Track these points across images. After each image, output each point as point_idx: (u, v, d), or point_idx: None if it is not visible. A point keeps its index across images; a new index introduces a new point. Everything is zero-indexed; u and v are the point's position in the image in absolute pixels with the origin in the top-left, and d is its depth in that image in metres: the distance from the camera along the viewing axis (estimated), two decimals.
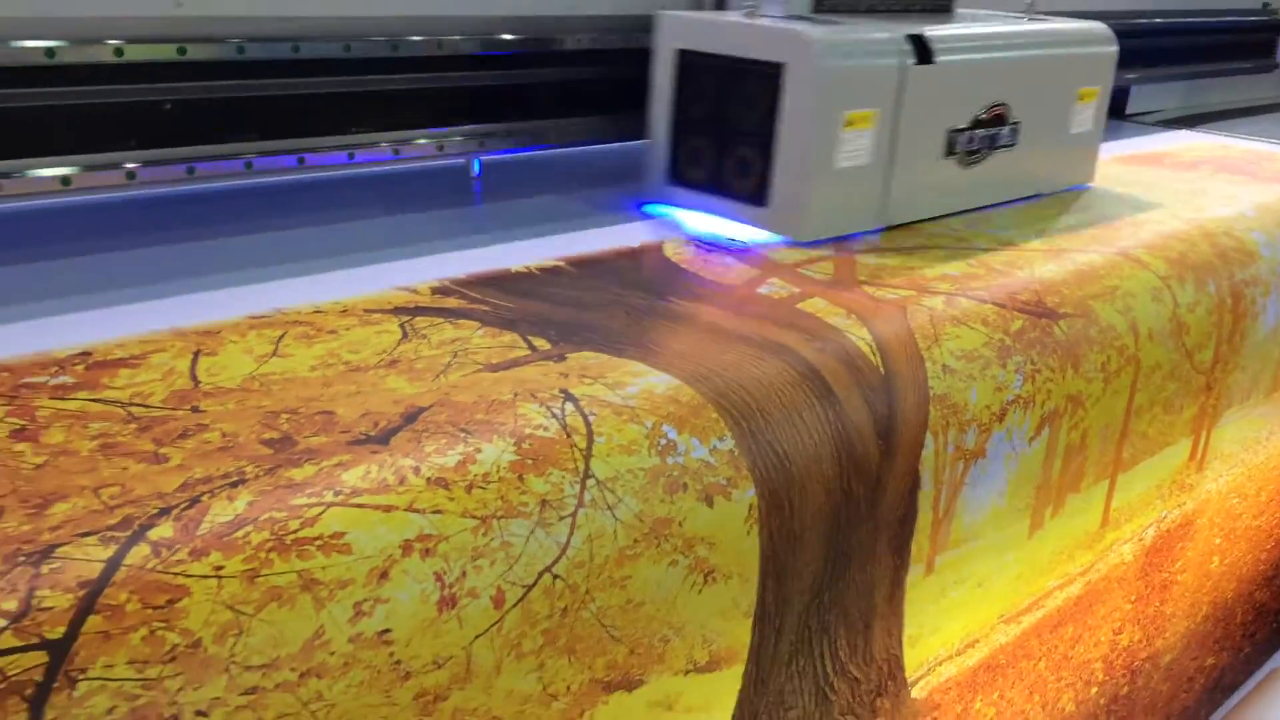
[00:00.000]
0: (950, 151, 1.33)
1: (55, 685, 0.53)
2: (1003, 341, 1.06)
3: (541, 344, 0.90)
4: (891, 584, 1.00)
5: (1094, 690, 1.43)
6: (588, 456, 0.76)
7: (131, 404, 0.74)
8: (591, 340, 0.91)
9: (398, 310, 0.94)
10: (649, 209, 1.32)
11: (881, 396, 0.94)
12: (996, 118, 1.37)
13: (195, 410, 0.74)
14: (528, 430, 0.75)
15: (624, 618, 0.76)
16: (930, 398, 0.97)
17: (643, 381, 0.84)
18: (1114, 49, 1.54)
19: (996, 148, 1.39)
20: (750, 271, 1.12)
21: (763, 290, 1.07)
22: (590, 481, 0.75)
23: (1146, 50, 2.20)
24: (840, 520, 0.91)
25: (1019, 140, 1.42)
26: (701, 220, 1.27)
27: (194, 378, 0.79)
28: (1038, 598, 1.22)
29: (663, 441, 0.79)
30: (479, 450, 0.72)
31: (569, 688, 0.74)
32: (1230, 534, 1.63)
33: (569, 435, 0.76)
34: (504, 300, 0.99)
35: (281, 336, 0.87)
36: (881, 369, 0.95)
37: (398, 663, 0.64)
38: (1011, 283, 1.14)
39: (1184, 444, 1.39)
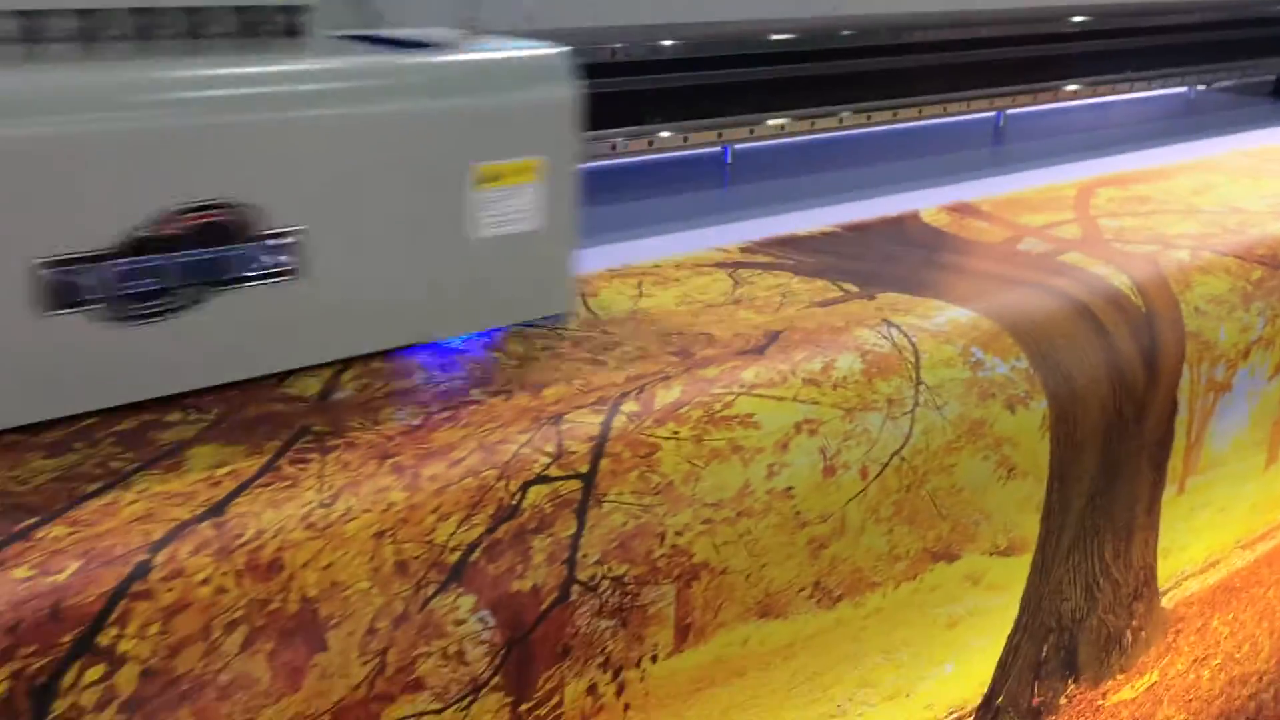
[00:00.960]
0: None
1: (589, 503, 0.73)
2: (1245, 289, 1.19)
3: (851, 288, 1.07)
4: (1150, 499, 1.14)
5: None
6: (917, 367, 0.93)
7: (556, 329, 0.95)
8: (893, 284, 1.08)
9: (721, 265, 1.14)
10: None
11: (1145, 332, 1.08)
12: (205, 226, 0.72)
13: (604, 332, 0.94)
14: (867, 347, 0.93)
15: (949, 499, 0.93)
16: (1186, 334, 1.11)
17: (947, 314, 1.01)
18: (568, 93, 0.87)
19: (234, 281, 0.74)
20: (1004, 232, 1.27)
21: (1020, 247, 1.22)
22: (922, 386, 0.92)
23: None
24: (1112, 436, 1.06)
25: (308, 267, 0.77)
26: None
27: (591, 311, 0.99)
28: (1271, 528, 1.34)
29: (973, 359, 0.96)
30: (835, 360, 0.91)
31: (908, 551, 0.91)
32: None
33: (900, 352, 0.94)
34: (806, 257, 1.17)
35: (640, 282, 1.07)
36: (1143, 309, 1.10)
37: (797, 513, 0.82)
38: (1250, 235, 1.27)
39: None
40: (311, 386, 0.80)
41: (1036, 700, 1.11)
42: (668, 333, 0.94)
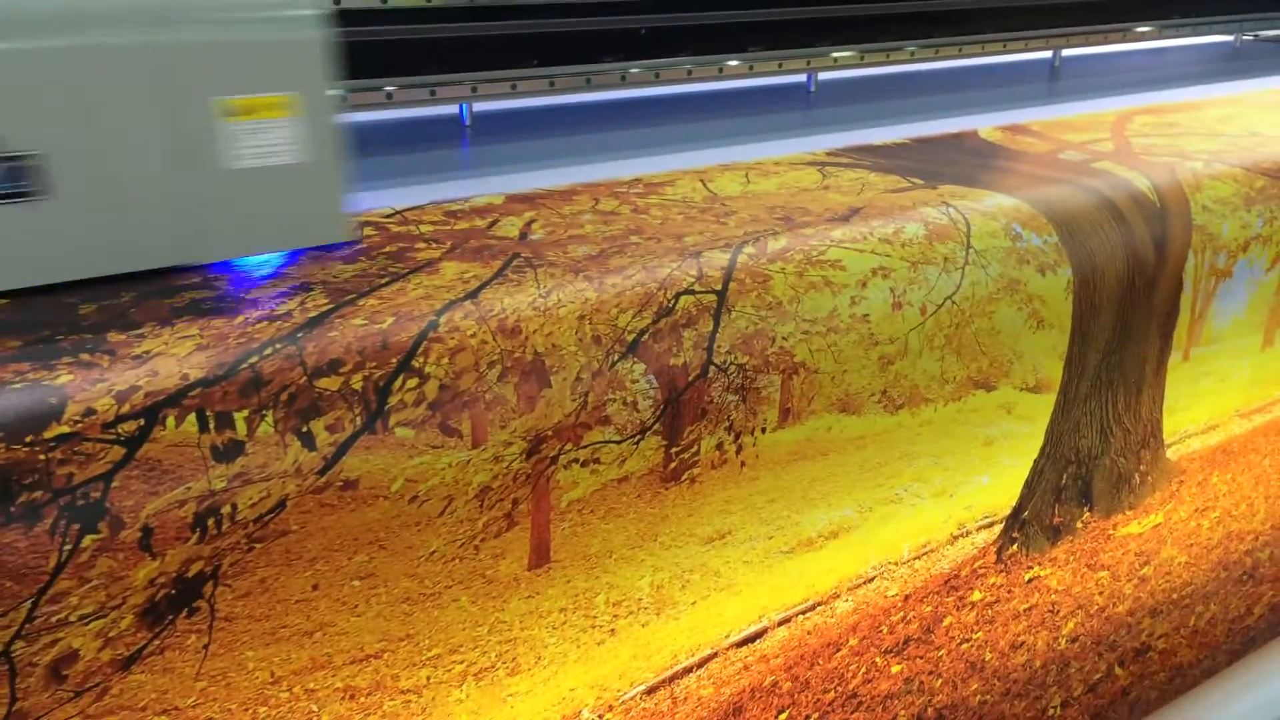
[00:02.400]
0: None
1: (722, 311, 1.01)
2: (1248, 194, 1.43)
3: (917, 181, 1.33)
4: (1158, 361, 1.39)
5: None
6: (968, 235, 1.19)
7: (684, 201, 1.23)
8: (952, 180, 1.34)
9: (811, 164, 1.40)
10: None
11: (1158, 223, 1.33)
12: None
13: (723, 205, 1.22)
14: (929, 219, 1.19)
15: (989, 339, 1.19)
16: (1193, 226, 1.36)
17: (994, 200, 1.26)
18: (316, 33, 0.91)
19: None
20: (1048, 146, 1.52)
21: (1060, 156, 1.47)
22: (971, 250, 1.18)
23: None
24: (1126, 303, 1.31)
25: (50, 187, 0.83)
26: None
27: (710, 191, 1.27)
28: (1267, 403, 1.58)
29: (1013, 233, 1.22)
30: (904, 227, 1.17)
31: (955, 377, 1.18)
32: None
33: (954, 224, 1.20)
34: (881, 159, 1.43)
35: (747, 173, 1.34)
36: (1158, 204, 1.34)
37: (871, 334, 1.10)
38: (1258, 153, 1.50)
39: None
40: (510, 230, 1.08)
41: (1057, 520, 1.38)
42: (772, 206, 1.21)
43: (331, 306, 0.87)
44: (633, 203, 1.21)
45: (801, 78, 1.85)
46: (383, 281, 0.93)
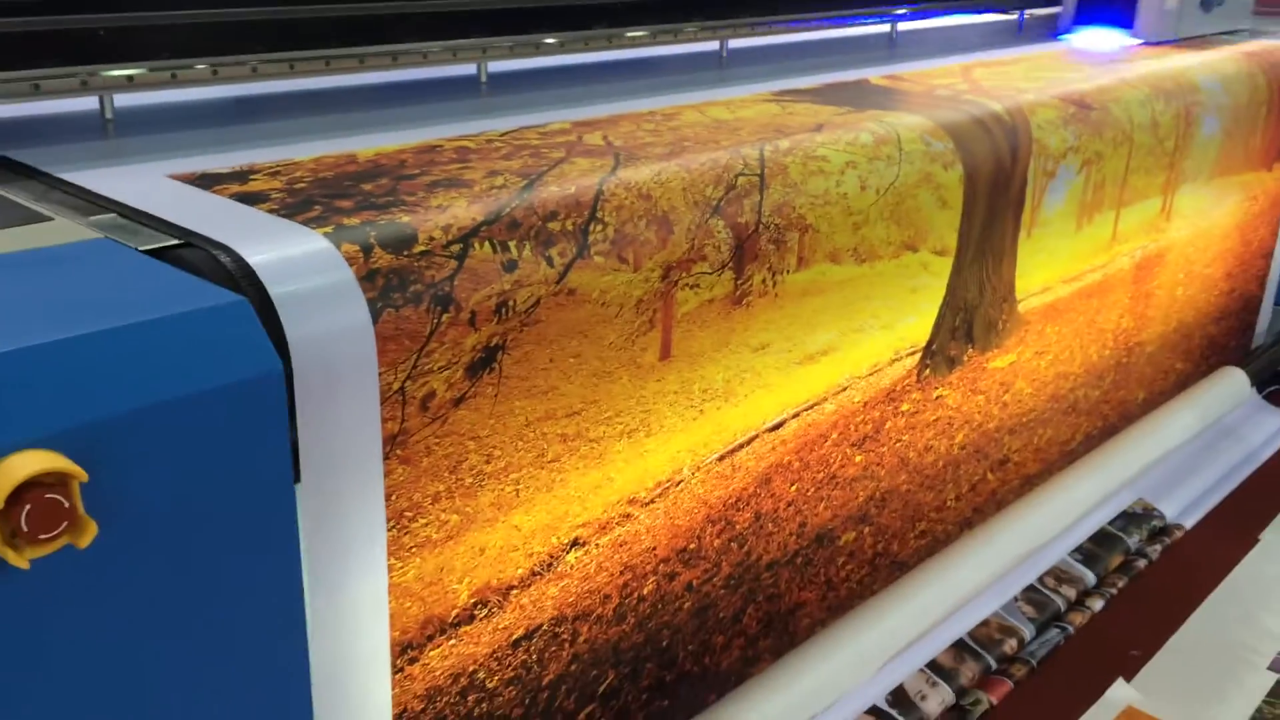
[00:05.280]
0: None
1: (763, 188, 1.47)
2: (1063, 117, 2.01)
3: (850, 109, 1.83)
4: (1013, 237, 1.95)
5: (1107, 352, 2.41)
6: (899, 141, 1.70)
7: (699, 124, 1.67)
8: (872, 107, 1.85)
9: (768, 101, 1.88)
10: None
11: (1010, 135, 1.89)
12: None
13: (728, 125, 1.67)
14: (873, 131, 1.69)
15: (914, 214, 1.71)
16: (1032, 139, 1.92)
17: (909, 118, 1.78)
18: None
19: None
20: (923, 87, 2.06)
21: (937, 94, 2.01)
22: (902, 151, 1.69)
23: None
24: (994, 192, 1.86)
25: None
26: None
27: (710, 117, 1.72)
28: (1080, 273, 2.18)
29: (925, 140, 1.74)
30: (858, 135, 1.66)
31: (895, 240, 1.69)
32: (1189, 273, 2.60)
33: (889, 133, 1.71)
34: (816, 96, 1.93)
35: (728, 106, 1.81)
36: (1009, 121, 1.90)
37: (849, 207, 1.58)
38: (1071, 90, 2.09)
39: (1157, 200, 2.35)
40: (596, 140, 1.50)
41: (952, 353, 1.92)
42: (764, 125, 1.69)
43: (534, 176, 1.29)
44: (667, 125, 1.66)
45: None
46: (546, 167, 1.35)
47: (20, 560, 0.76)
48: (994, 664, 2.09)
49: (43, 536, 0.77)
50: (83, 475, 0.78)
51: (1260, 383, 3.10)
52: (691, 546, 1.51)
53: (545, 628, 1.35)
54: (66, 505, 0.77)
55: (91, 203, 1.19)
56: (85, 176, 1.26)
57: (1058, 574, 2.35)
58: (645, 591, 1.46)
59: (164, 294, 0.93)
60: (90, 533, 0.79)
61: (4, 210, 1.16)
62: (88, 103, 1.51)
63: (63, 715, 0.85)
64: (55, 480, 0.77)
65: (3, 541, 0.76)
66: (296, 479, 1.00)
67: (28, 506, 0.76)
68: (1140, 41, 2.77)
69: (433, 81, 1.89)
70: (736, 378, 1.50)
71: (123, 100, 1.52)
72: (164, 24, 1.49)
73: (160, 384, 0.85)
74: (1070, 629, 2.25)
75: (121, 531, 0.83)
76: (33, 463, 0.76)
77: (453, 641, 1.24)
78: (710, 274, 1.41)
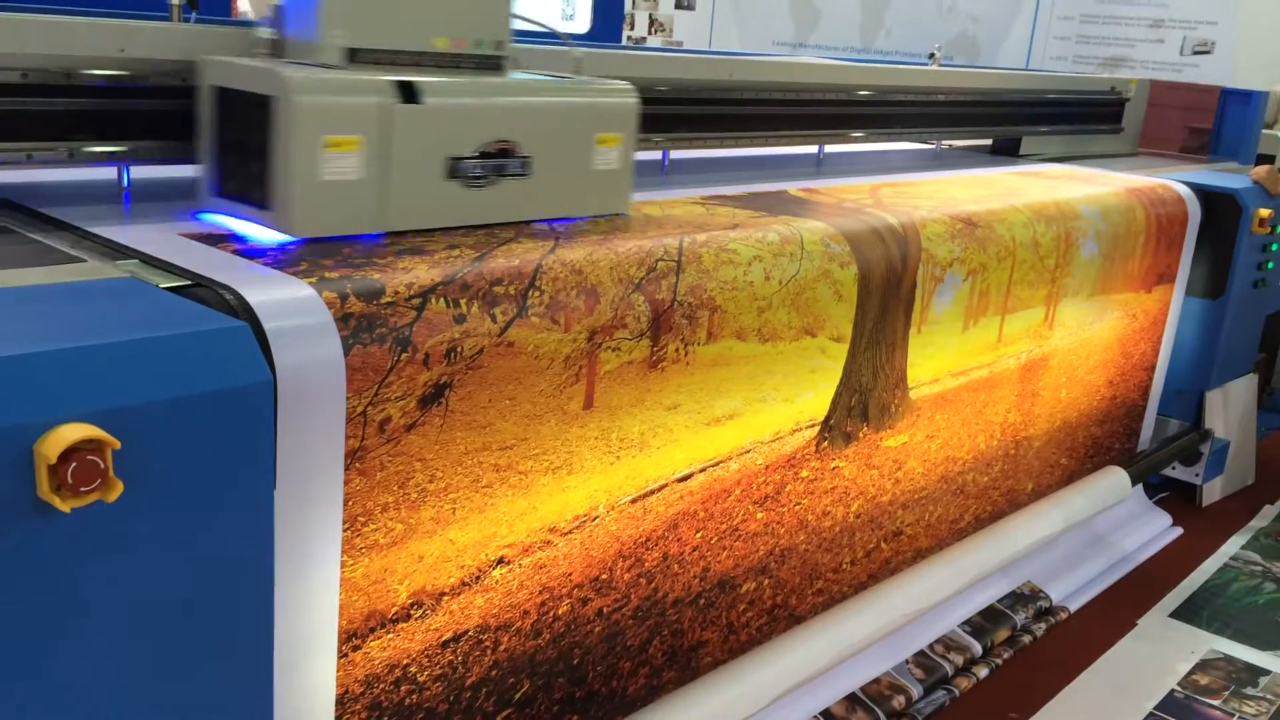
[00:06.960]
0: (453, 175, 1.61)
1: (679, 274, 1.75)
2: (951, 232, 2.33)
3: (765, 213, 2.13)
4: (904, 331, 2.24)
5: (995, 442, 2.69)
6: (802, 242, 1.99)
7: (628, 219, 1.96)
8: (785, 213, 2.15)
9: (694, 204, 2.18)
10: (201, 216, 1.62)
11: (902, 244, 2.19)
12: (501, 151, 1.65)
13: (656, 221, 1.96)
14: (780, 232, 1.99)
15: (813, 304, 1.99)
16: (922, 249, 2.23)
17: (813, 224, 2.08)
18: (633, 102, 1.86)
19: (505, 175, 1.68)
20: (834, 200, 2.37)
21: (844, 205, 2.32)
22: (804, 250, 1.98)
23: (1031, 115, 3.55)
24: (886, 291, 2.15)
25: (531, 171, 1.71)
26: (235, 223, 1.58)
27: (643, 214, 2.01)
28: (967, 369, 2.48)
29: (825, 243, 2.04)
30: (766, 234, 1.96)
31: (795, 325, 1.96)
32: (1072, 378, 2.91)
33: (794, 235, 2.00)
34: (738, 203, 2.23)
35: (660, 207, 2.10)
36: (902, 232, 2.21)
37: (755, 295, 1.86)
38: (959, 209, 2.42)
39: (1041, 309, 2.67)
40: (543, 226, 1.78)
41: (849, 429, 2.19)
42: (686, 222, 1.98)
43: (485, 251, 1.56)
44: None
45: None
46: (496, 244, 1.62)
47: (64, 506, 0.99)
48: (883, 718, 2.31)
49: (82, 489, 1.00)
50: (116, 444, 1.02)
51: (1146, 485, 3.41)
52: (604, 577, 1.75)
53: (471, 633, 1.57)
54: (102, 466, 1.01)
55: (117, 251, 1.44)
56: (110, 230, 1.51)
57: (947, 642, 2.60)
58: (560, 611, 1.69)
59: (182, 318, 1.18)
60: (117, 490, 1.02)
61: (44, 252, 1.41)
62: (108, 172, 1.77)
63: (85, 632, 1.07)
64: (94, 447, 1.01)
65: (51, 490, 0.99)
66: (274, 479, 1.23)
67: (73, 464, 0.99)
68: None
69: None
70: (650, 431, 1.75)
71: (138, 172, 1.79)
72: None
73: (178, 383, 1.09)
74: (956, 692, 2.48)
75: (140, 494, 1.06)
76: (79, 432, 1.00)
77: (391, 635, 1.46)
78: (630, 340, 1.67)
